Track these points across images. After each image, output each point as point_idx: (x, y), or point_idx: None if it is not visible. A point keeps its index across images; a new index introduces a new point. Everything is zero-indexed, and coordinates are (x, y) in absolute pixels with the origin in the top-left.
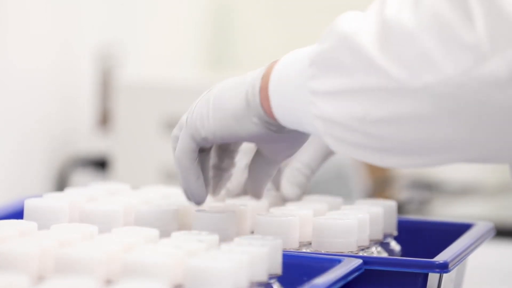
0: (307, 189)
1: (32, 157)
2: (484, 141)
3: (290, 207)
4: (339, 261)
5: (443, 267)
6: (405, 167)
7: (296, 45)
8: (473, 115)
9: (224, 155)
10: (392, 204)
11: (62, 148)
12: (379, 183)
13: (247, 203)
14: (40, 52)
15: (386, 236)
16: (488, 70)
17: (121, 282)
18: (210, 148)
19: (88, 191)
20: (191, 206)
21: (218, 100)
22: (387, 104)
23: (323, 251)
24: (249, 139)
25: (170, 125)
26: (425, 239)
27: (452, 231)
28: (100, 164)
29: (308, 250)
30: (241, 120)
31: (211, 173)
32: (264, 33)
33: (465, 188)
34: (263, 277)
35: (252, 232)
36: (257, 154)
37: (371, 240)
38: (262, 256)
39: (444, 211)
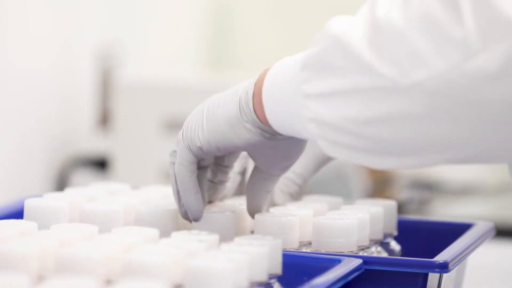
0: (304, 193)
1: (32, 157)
2: (478, 139)
3: (290, 207)
4: (339, 261)
5: (443, 267)
6: (399, 169)
7: (296, 45)
8: (465, 111)
9: (218, 170)
10: (392, 204)
11: (62, 148)
12: (379, 183)
13: None
14: (40, 52)
15: (386, 236)
16: (477, 64)
17: (121, 282)
18: (207, 167)
19: (88, 191)
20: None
21: (212, 109)
22: (379, 104)
23: (323, 251)
24: (244, 147)
25: (170, 125)
26: (425, 239)
27: (452, 231)
28: (100, 164)
29: (308, 250)
30: (235, 127)
31: (206, 186)
32: (264, 33)
33: (465, 188)
34: (263, 277)
35: (252, 232)
36: (255, 170)
37: (371, 240)
38: (262, 256)
39: (444, 211)
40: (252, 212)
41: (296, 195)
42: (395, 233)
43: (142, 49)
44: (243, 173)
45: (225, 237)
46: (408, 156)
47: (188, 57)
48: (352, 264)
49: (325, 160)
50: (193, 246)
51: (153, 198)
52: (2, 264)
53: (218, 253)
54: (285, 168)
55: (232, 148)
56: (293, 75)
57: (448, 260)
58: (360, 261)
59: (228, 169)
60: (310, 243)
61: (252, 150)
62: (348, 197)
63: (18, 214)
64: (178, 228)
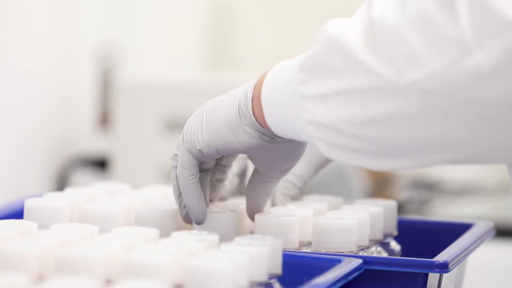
0: (304, 193)
1: (32, 157)
2: (476, 139)
3: (290, 207)
4: (339, 261)
5: (443, 267)
6: (397, 170)
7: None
8: (462, 111)
9: (216, 169)
10: (392, 204)
11: (62, 148)
12: (379, 183)
13: None
14: (40, 52)
15: (386, 236)
16: (473, 63)
17: (121, 282)
18: (209, 169)
19: (88, 191)
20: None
21: (211, 112)
22: (376, 104)
23: (323, 251)
24: (243, 150)
25: (170, 125)
26: (425, 239)
27: (452, 231)
28: (100, 164)
29: (308, 250)
30: (234, 130)
31: (208, 189)
32: (264, 33)
33: (465, 188)
34: (263, 277)
35: (252, 232)
36: (255, 173)
37: (371, 240)
38: (262, 256)
39: (444, 211)
40: (252, 215)
41: (297, 198)
42: (395, 233)
43: (142, 49)
44: (240, 174)
45: (225, 237)
46: (406, 157)
47: (188, 57)
48: (352, 264)
49: (325, 162)
50: (193, 246)
51: (153, 198)
52: (2, 264)
53: (218, 253)
54: (285, 171)
55: (232, 151)
56: (291, 77)
57: (448, 260)
58: (360, 261)
59: (227, 168)
60: (310, 243)
61: (252, 153)
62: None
63: (18, 214)
64: (178, 228)
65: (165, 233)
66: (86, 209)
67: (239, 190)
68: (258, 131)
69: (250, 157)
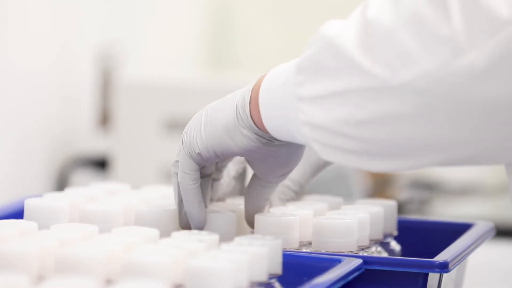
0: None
1: (32, 157)
2: (471, 139)
3: (290, 207)
4: (339, 261)
5: (443, 267)
6: (394, 171)
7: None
8: (456, 110)
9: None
10: (392, 204)
11: (62, 148)
12: (379, 183)
13: None
14: (40, 52)
15: (386, 236)
16: (465, 62)
17: (121, 282)
18: (210, 175)
19: (88, 191)
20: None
21: (209, 115)
22: (371, 104)
23: (323, 251)
24: (241, 153)
25: (170, 125)
26: (425, 239)
27: (452, 231)
28: (100, 164)
29: (308, 250)
30: (232, 133)
31: (208, 196)
32: (264, 33)
33: (465, 188)
34: (263, 277)
35: (252, 232)
36: (253, 178)
37: (371, 240)
38: (262, 256)
39: (444, 211)
40: (250, 220)
41: (293, 200)
42: (395, 233)
43: (142, 49)
44: (238, 178)
45: (225, 237)
46: (402, 158)
47: (188, 57)
48: (352, 264)
49: (321, 166)
50: (193, 246)
51: (153, 198)
52: (2, 264)
53: (218, 253)
54: (283, 175)
55: (230, 154)
56: (288, 79)
57: (448, 260)
58: (360, 261)
59: (222, 168)
60: (310, 243)
61: (250, 156)
62: (348, 197)
63: (18, 214)
64: (178, 228)
65: (165, 233)
66: (86, 209)
67: (239, 191)
68: (255, 133)
69: (248, 162)
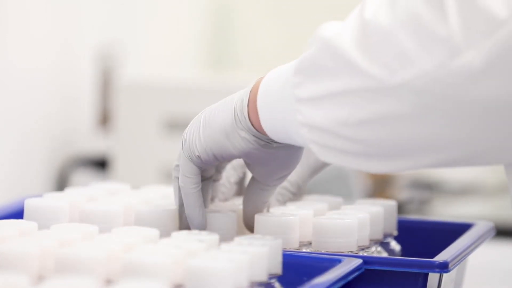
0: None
1: (32, 157)
2: (469, 139)
3: (290, 207)
4: (339, 261)
5: (443, 267)
6: (392, 172)
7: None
8: (454, 110)
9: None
10: (392, 204)
11: (62, 148)
12: (379, 183)
13: None
14: (40, 52)
15: (386, 236)
16: (462, 62)
17: (121, 282)
18: (210, 178)
19: (88, 191)
20: None
21: (208, 117)
22: (369, 105)
23: (323, 251)
24: (240, 156)
25: (170, 125)
26: (425, 239)
27: (452, 231)
28: (100, 164)
29: (308, 250)
30: (230, 135)
31: (208, 201)
32: (264, 33)
33: (465, 188)
34: (263, 277)
35: (252, 232)
36: (251, 181)
37: (371, 240)
38: (262, 256)
39: (444, 211)
40: (248, 223)
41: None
42: (395, 233)
43: (142, 49)
44: (238, 182)
45: (225, 237)
46: (400, 159)
47: (188, 57)
48: (352, 264)
49: (320, 167)
50: (193, 246)
51: (153, 198)
52: (2, 264)
53: (218, 253)
54: (282, 178)
55: (229, 157)
56: (286, 81)
57: (448, 260)
58: (360, 261)
59: (222, 169)
60: (310, 243)
61: (248, 159)
62: (348, 197)
63: (18, 214)
64: (178, 228)
65: (165, 233)
66: (86, 209)
67: (239, 193)
68: (253, 135)
69: (247, 164)
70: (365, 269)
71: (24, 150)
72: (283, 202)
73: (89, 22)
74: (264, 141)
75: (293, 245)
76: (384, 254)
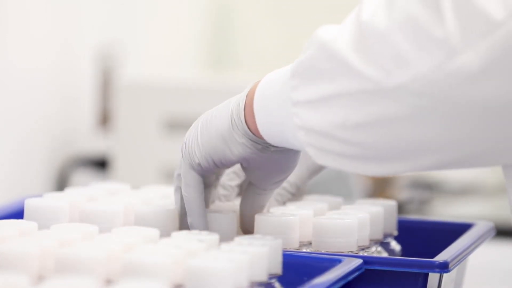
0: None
1: (32, 157)
2: (467, 140)
3: (290, 207)
4: (339, 261)
5: (443, 267)
6: (390, 175)
7: (296, 45)
8: (451, 112)
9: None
10: (392, 204)
11: (62, 148)
12: (379, 183)
13: None
14: (40, 52)
15: (386, 236)
16: (460, 63)
17: (121, 282)
18: (211, 185)
19: (88, 191)
20: None
21: (205, 123)
22: (366, 107)
23: (323, 251)
24: (237, 160)
25: (170, 125)
26: (425, 239)
27: (452, 231)
28: (100, 164)
29: (308, 250)
30: (227, 140)
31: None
32: (264, 33)
33: (465, 188)
34: (263, 277)
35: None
36: (248, 186)
37: (371, 240)
38: (262, 256)
39: (444, 211)
40: (245, 227)
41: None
42: (395, 233)
43: (142, 49)
44: (240, 186)
45: (225, 237)
46: (398, 161)
47: (188, 57)
48: (352, 264)
49: (319, 168)
50: (193, 246)
51: (153, 198)
52: (2, 264)
53: (218, 253)
54: (279, 182)
55: (227, 162)
56: (282, 84)
57: (448, 260)
58: (360, 261)
59: (219, 175)
60: (310, 243)
61: (246, 163)
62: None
63: (18, 214)
64: (178, 228)
65: (165, 233)
66: (86, 209)
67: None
68: (251, 140)
69: (244, 169)
70: (365, 269)
71: (24, 150)
72: (282, 203)
73: (89, 22)
74: (261, 145)
75: (293, 245)
76: (384, 254)
